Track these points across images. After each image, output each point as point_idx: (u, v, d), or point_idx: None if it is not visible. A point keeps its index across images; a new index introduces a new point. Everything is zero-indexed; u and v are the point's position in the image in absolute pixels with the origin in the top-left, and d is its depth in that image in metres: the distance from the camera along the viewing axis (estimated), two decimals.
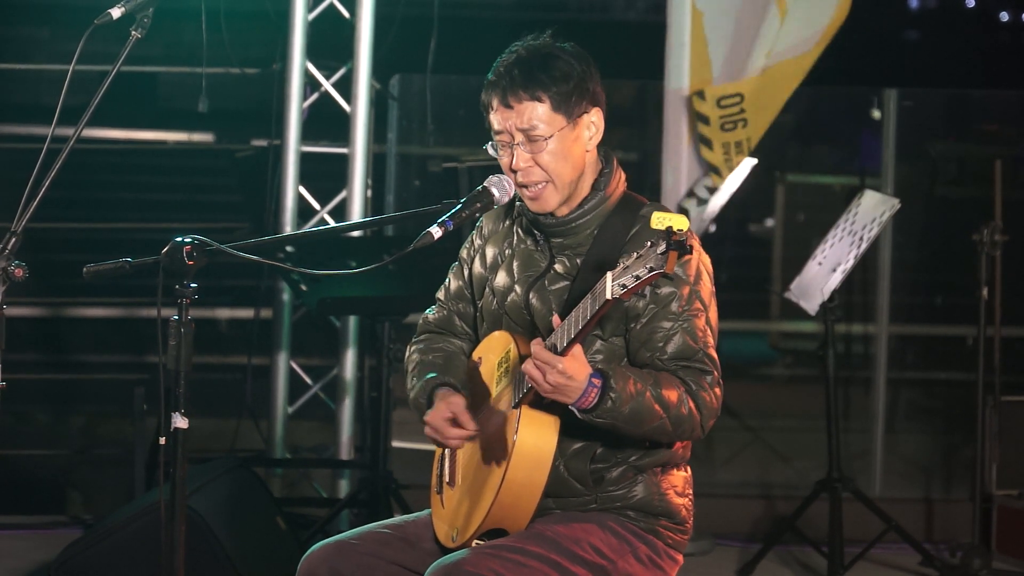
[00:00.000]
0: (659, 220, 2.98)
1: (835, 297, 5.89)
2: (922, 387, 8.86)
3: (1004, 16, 15.93)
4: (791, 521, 5.99)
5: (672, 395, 3.30)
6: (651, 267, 2.98)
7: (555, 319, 3.25)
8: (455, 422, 3.45)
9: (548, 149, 3.40)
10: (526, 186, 3.44)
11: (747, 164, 6.33)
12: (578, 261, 3.47)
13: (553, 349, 3.20)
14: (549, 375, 3.18)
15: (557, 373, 3.18)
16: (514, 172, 3.43)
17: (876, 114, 7.21)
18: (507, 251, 3.61)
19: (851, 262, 5.83)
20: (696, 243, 3.13)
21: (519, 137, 3.40)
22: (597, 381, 3.23)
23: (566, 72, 3.40)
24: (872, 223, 5.87)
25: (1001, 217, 6.27)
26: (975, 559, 5.98)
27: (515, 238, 3.60)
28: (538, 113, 3.38)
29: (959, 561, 6.04)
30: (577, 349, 3.21)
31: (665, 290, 3.37)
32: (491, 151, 3.47)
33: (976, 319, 6.16)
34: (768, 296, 9.60)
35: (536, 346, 3.21)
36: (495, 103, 3.42)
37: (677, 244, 2.94)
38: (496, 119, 3.42)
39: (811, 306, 5.94)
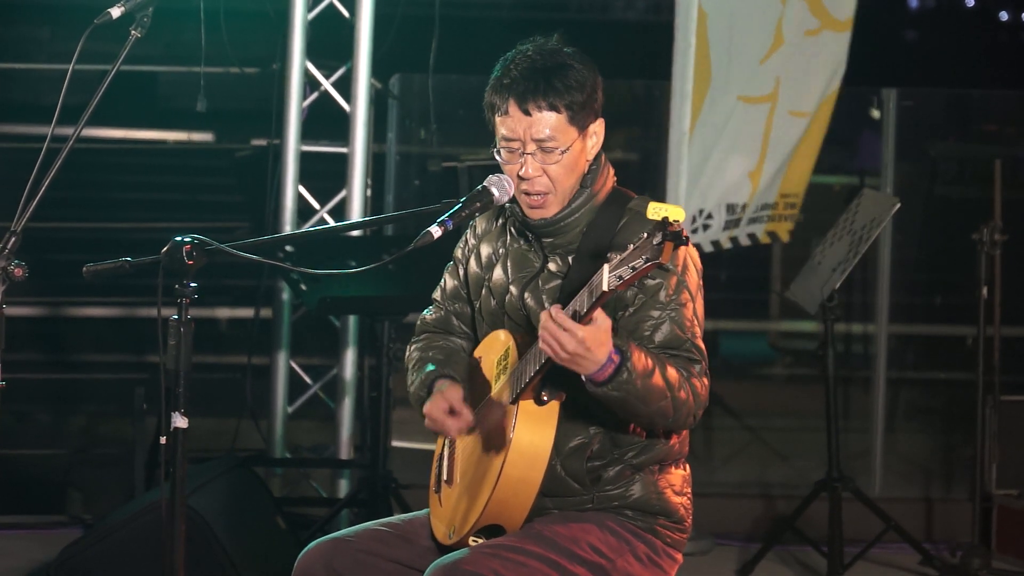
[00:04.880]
0: (655, 211, 2.97)
1: (835, 296, 5.88)
2: (922, 387, 8.85)
3: (1004, 16, 15.94)
4: (791, 521, 5.99)
5: (674, 377, 3.29)
6: (647, 258, 2.97)
7: (555, 307, 3.15)
8: (453, 412, 3.45)
9: (560, 161, 3.38)
10: (529, 194, 3.43)
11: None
12: (569, 259, 3.46)
13: (574, 316, 3.13)
14: (567, 343, 3.11)
15: (576, 342, 3.10)
16: (520, 179, 3.41)
17: (876, 114, 7.20)
18: (501, 250, 3.60)
19: (851, 262, 5.83)
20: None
21: (532, 147, 3.37)
22: (616, 357, 3.17)
23: (581, 82, 3.37)
24: (872, 223, 5.87)
25: (1001, 217, 6.27)
26: (975, 559, 5.98)
27: (508, 237, 3.59)
28: (555, 124, 3.35)
29: (959, 561, 6.05)
30: (602, 318, 3.11)
31: (653, 280, 3.35)
32: (496, 156, 3.43)
33: (976, 319, 6.16)
34: (768, 296, 9.61)
35: (556, 309, 3.13)
36: (510, 108, 3.37)
37: (673, 235, 2.94)
38: (508, 125, 3.38)
39: (811, 306, 5.94)
